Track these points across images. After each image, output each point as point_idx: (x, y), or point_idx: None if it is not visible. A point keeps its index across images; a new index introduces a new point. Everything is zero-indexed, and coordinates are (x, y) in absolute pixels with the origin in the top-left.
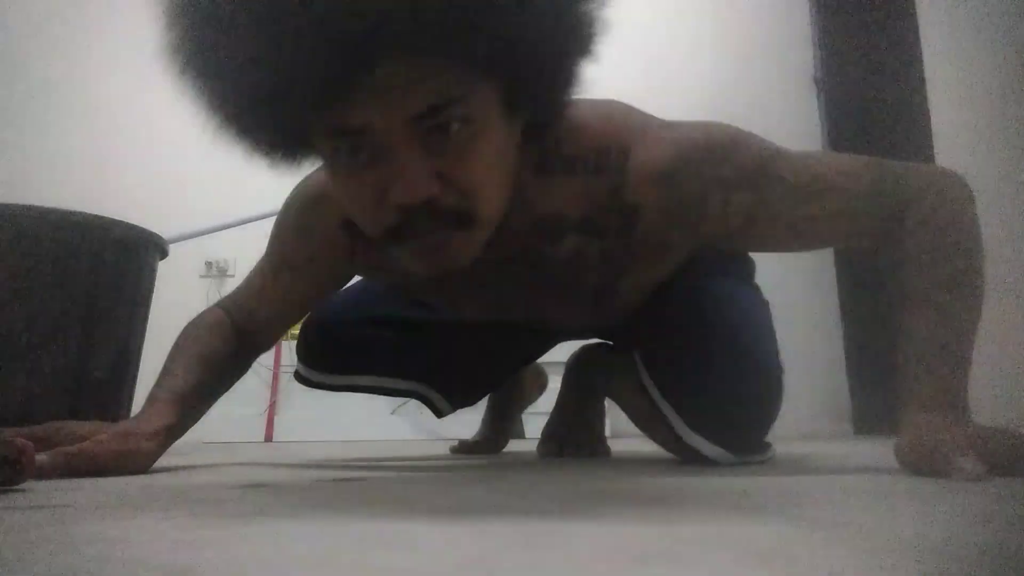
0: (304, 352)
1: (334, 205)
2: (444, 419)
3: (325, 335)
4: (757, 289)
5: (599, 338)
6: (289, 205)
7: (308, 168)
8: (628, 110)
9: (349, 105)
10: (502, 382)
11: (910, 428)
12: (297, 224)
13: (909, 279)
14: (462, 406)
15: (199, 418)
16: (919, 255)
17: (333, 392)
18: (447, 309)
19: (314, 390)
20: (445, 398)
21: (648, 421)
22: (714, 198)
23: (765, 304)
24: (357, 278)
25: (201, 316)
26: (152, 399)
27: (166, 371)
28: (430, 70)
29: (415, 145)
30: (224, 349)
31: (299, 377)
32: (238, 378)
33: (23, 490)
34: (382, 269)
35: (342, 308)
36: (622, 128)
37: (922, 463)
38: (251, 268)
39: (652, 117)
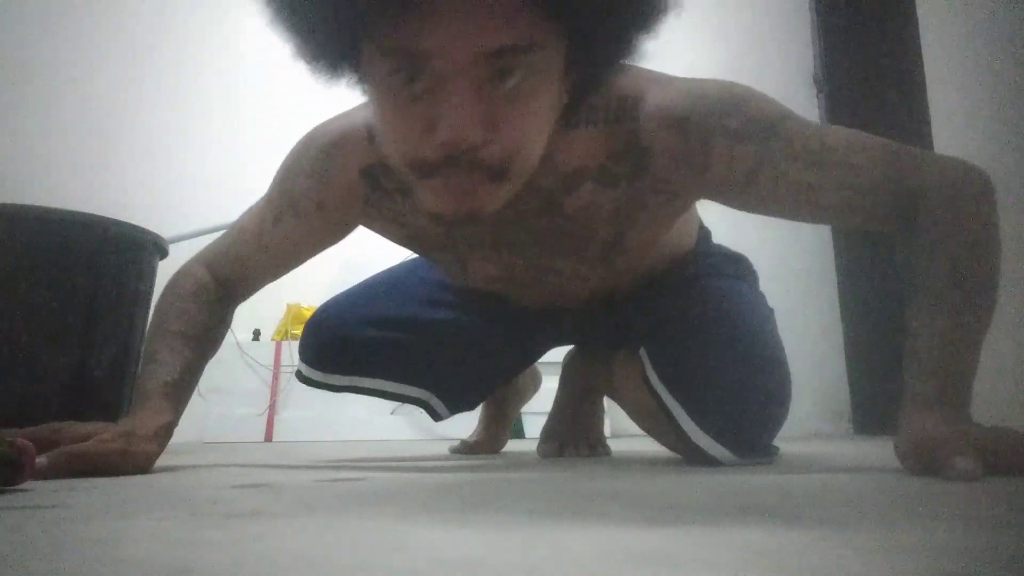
0: (306, 351)
1: (355, 150)
2: (445, 420)
3: (328, 335)
4: (762, 295)
5: (599, 340)
6: (304, 148)
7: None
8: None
9: (421, 26)
10: (501, 386)
11: (910, 427)
12: (313, 167)
13: (921, 275)
14: (460, 411)
15: (189, 399)
16: (932, 250)
17: (333, 392)
18: (455, 269)
19: (314, 390)
20: (445, 403)
21: (652, 419)
22: (720, 145)
23: (771, 310)
24: (361, 278)
25: (178, 281)
26: (144, 395)
27: (151, 357)
28: (510, 10)
29: (474, 84)
30: (208, 319)
31: (300, 376)
32: (221, 342)
33: (23, 490)
34: (395, 221)
35: (346, 308)
36: (638, 77)
37: (920, 462)
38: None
39: (667, 74)
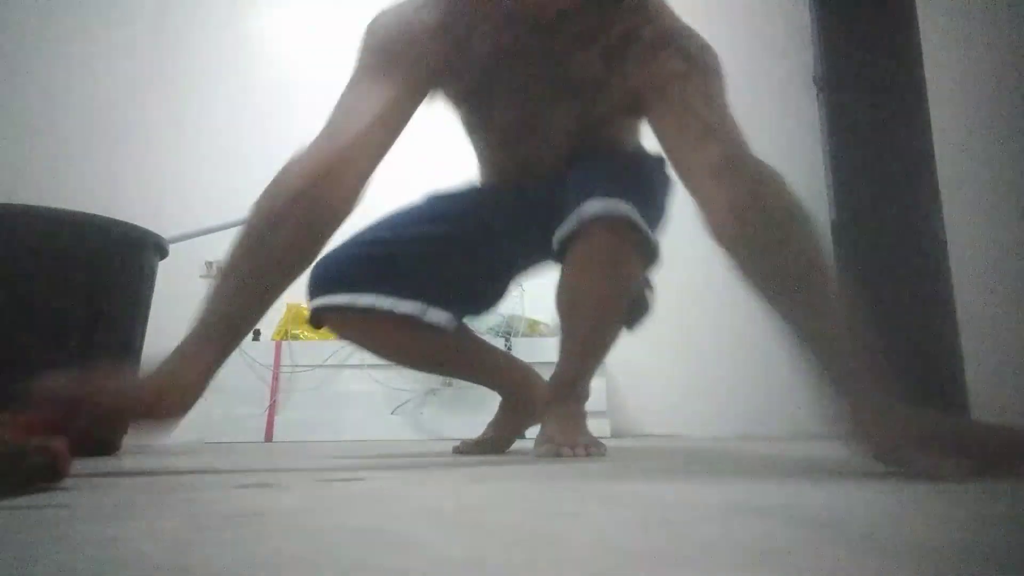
0: (309, 283)
1: (426, 3)
2: (445, 420)
3: (325, 258)
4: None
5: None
6: (381, 12)
7: None
8: None
9: None
10: (487, 293)
11: (879, 430)
12: (398, 18)
13: (774, 288)
14: (456, 313)
15: (242, 333)
16: (774, 259)
17: (336, 331)
18: (485, 117)
19: (314, 390)
20: (440, 308)
21: (592, 269)
22: (666, 51)
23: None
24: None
25: (272, 192)
26: (185, 340)
27: (216, 293)
28: None
29: None
30: (290, 238)
31: (309, 319)
32: (307, 261)
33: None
34: (452, 62)
35: (345, 240)
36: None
37: (881, 455)
38: None
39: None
